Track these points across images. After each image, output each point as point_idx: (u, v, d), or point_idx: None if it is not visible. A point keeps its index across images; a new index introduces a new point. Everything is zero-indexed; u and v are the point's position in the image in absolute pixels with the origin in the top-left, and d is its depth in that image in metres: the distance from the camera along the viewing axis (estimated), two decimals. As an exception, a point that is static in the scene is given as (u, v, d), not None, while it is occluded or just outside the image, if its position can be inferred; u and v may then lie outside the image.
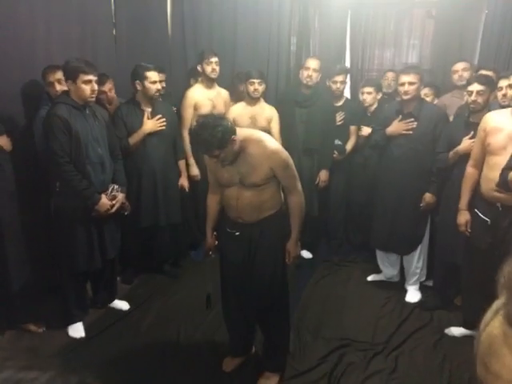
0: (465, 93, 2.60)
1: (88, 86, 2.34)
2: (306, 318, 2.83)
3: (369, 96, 3.38)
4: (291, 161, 2.05)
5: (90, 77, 2.34)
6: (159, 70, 3.21)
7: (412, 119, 2.82)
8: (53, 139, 2.30)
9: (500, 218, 2.31)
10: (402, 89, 2.79)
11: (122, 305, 2.90)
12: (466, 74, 3.20)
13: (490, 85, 2.52)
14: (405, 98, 2.79)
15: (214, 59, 3.32)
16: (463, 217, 2.49)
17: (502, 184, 2.11)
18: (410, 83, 2.74)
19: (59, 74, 2.55)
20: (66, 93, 2.40)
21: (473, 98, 2.50)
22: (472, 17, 4.04)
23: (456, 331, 2.68)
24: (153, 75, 2.87)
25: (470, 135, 2.55)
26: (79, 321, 2.66)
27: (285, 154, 2.03)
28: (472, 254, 2.48)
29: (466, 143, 2.58)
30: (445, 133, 2.76)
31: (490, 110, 2.43)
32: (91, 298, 2.88)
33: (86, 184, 2.39)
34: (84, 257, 2.51)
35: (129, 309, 2.89)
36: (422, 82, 2.83)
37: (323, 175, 3.48)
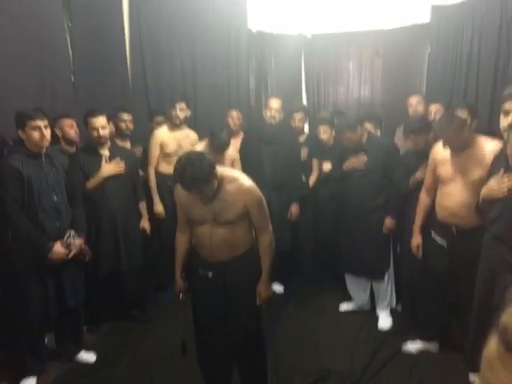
0: None
1: (37, 131, 2.30)
2: (282, 353, 2.79)
3: (325, 135, 3.44)
4: (264, 201, 2.08)
5: (37, 122, 2.29)
6: (124, 110, 3.32)
7: (363, 154, 2.99)
8: (3, 188, 2.27)
9: (455, 242, 2.44)
10: (344, 141, 3.00)
11: (88, 357, 2.75)
12: (420, 107, 3.45)
13: (424, 130, 2.69)
14: (349, 147, 2.99)
15: (179, 105, 3.38)
16: (415, 239, 2.67)
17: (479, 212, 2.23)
18: (349, 137, 2.95)
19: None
20: (20, 141, 2.35)
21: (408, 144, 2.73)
22: (416, 53, 4.38)
23: (412, 346, 2.77)
24: (93, 121, 2.78)
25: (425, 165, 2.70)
26: (33, 375, 2.48)
27: (259, 193, 2.05)
28: (429, 271, 2.62)
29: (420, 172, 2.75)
30: (401, 162, 2.92)
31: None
32: (55, 350, 2.71)
33: (37, 233, 2.32)
34: (38, 309, 2.39)
35: (96, 360, 2.74)
36: (362, 128, 2.97)
37: (294, 208, 3.53)
